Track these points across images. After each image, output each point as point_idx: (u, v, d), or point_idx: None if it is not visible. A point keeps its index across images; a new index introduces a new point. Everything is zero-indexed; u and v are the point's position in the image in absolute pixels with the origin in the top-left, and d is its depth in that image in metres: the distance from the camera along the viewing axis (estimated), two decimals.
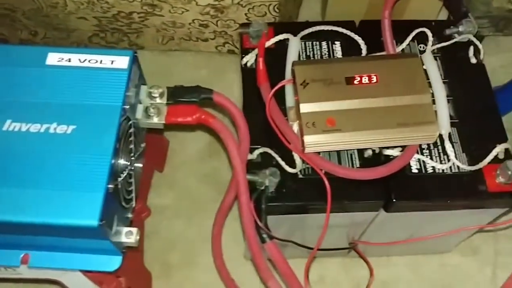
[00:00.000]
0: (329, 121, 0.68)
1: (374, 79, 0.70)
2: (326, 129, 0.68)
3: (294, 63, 0.73)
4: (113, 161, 0.58)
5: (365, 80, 0.70)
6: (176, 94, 0.69)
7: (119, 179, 0.59)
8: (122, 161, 0.61)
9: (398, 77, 0.71)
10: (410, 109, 0.69)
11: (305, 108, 0.69)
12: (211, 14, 0.95)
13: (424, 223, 0.78)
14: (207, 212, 0.85)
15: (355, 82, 0.70)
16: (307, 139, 0.67)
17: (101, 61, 0.63)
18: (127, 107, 0.62)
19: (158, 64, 1.14)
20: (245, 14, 0.95)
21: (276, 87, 0.73)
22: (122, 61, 0.63)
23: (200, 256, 0.96)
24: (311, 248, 0.71)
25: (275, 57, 0.78)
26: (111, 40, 1.08)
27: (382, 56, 0.76)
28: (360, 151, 0.72)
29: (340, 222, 0.76)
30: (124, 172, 0.61)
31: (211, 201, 0.90)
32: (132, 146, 0.64)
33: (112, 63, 0.63)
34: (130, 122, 0.63)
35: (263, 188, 0.67)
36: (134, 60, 0.65)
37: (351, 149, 0.71)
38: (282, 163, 0.70)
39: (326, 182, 0.67)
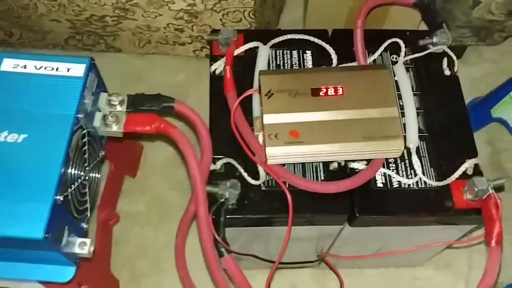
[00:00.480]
0: (292, 133, 0.67)
1: (340, 91, 0.69)
2: (289, 141, 0.66)
3: (260, 73, 0.71)
4: (63, 171, 0.56)
5: (331, 91, 0.69)
6: (136, 102, 0.68)
7: (70, 189, 0.58)
8: (74, 171, 0.60)
9: (365, 89, 0.69)
10: (376, 123, 0.67)
11: (268, 119, 0.67)
12: (185, 19, 0.94)
13: (392, 237, 0.77)
14: (178, 219, 0.83)
15: (321, 93, 0.69)
16: (269, 150, 0.66)
17: (57, 69, 0.61)
18: (81, 116, 0.60)
19: (135, 67, 1.12)
20: (220, 19, 0.94)
21: (242, 97, 0.71)
22: (78, 69, 0.61)
23: (169, 264, 0.94)
24: (273, 262, 0.69)
25: (245, 65, 0.77)
26: (87, 42, 1.07)
27: (351, 68, 0.75)
28: (326, 164, 0.70)
29: (306, 235, 0.75)
30: (76, 182, 0.59)
31: (182, 208, 0.88)
32: (86, 155, 0.62)
33: (68, 70, 0.61)
34: (84, 131, 0.61)
35: (223, 200, 0.65)
36: (91, 68, 0.63)
37: (316, 162, 0.70)
38: (245, 174, 0.68)
39: (288, 195, 0.66)
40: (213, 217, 0.65)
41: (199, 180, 0.64)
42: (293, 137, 0.66)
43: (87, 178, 0.64)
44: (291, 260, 0.81)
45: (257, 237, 0.75)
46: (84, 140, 0.61)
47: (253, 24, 0.94)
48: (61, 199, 0.55)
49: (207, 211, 0.64)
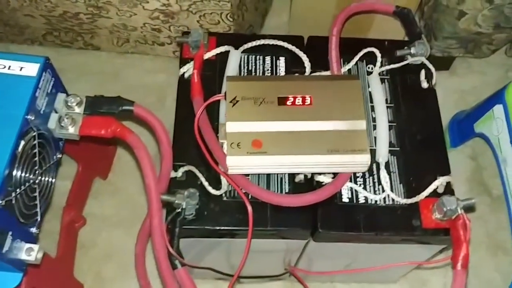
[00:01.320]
0: (255, 142, 0.64)
1: (308, 101, 0.66)
2: (251, 151, 0.64)
3: (227, 78, 0.69)
4: (7, 173, 0.54)
5: (298, 101, 0.66)
6: (94, 105, 0.65)
7: (15, 193, 0.55)
8: (22, 174, 0.57)
9: (334, 100, 0.67)
10: (342, 135, 0.65)
11: (231, 127, 0.65)
12: (162, 19, 0.91)
13: (359, 254, 0.74)
14: None
15: (288, 103, 0.66)
16: (230, 160, 0.63)
17: (9, 67, 0.59)
18: (32, 117, 0.58)
19: (114, 66, 1.10)
20: (197, 21, 0.91)
21: (207, 102, 0.69)
22: (31, 68, 0.59)
23: None
24: (231, 276, 0.67)
25: (215, 69, 0.74)
26: (65, 39, 1.04)
27: (321, 77, 0.72)
28: (291, 175, 0.68)
29: (269, 248, 0.72)
30: (23, 186, 0.57)
31: None
32: (37, 158, 0.60)
33: (21, 69, 0.59)
34: (35, 133, 0.59)
35: (179, 210, 0.63)
36: (46, 68, 0.61)
37: (280, 173, 0.67)
38: (206, 183, 0.66)
39: (249, 206, 0.63)
40: (168, 227, 0.63)
41: (154, 189, 0.61)
42: (255, 147, 0.64)
43: (37, 181, 0.61)
44: (256, 273, 0.79)
45: (217, 249, 0.72)
46: (35, 142, 0.59)
47: (232, 27, 0.92)
48: (3, 203, 0.52)
49: (161, 222, 0.62)
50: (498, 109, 0.88)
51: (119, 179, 0.99)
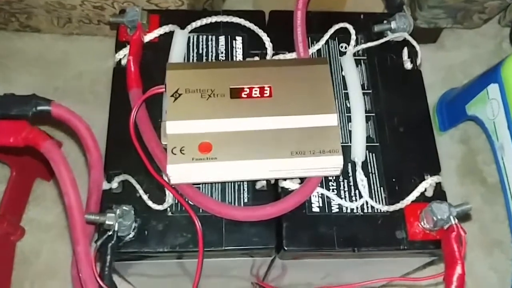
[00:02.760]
0: (203, 146, 0.52)
1: (268, 92, 0.55)
2: (197, 157, 0.52)
3: (168, 66, 0.56)
4: None
5: (255, 93, 0.55)
6: (2, 106, 0.52)
7: None
8: None
9: (298, 90, 0.55)
10: (309, 134, 0.53)
11: (173, 127, 0.53)
12: None
13: (335, 268, 0.63)
14: None
15: (243, 95, 0.54)
16: (171, 169, 0.51)
17: None
18: None
19: (59, 50, 0.97)
20: None
21: (145, 96, 0.57)
22: None
23: None
24: None
25: (159, 54, 0.62)
26: None
27: (282, 62, 0.60)
28: (251, 181, 0.56)
29: (229, 266, 0.61)
30: None
31: None
32: None
33: None
34: None
35: (111, 233, 0.51)
36: None
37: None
38: (145, 196, 0.54)
39: (197, 223, 0.53)
40: (99, 252, 0.51)
41: (76, 209, 0.49)
42: (203, 152, 0.52)
43: None
44: None
45: (165, 270, 0.61)
46: None
47: (187, 4, 0.79)
48: None
49: (87, 250, 0.50)
50: (493, 88, 0.76)
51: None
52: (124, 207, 0.52)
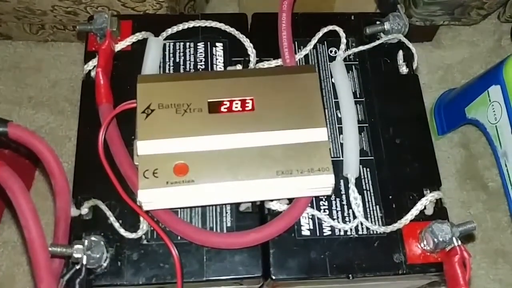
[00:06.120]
0: (178, 168, 0.47)
1: (250, 106, 0.50)
2: (172, 180, 0.47)
3: (138, 79, 0.51)
4: None
5: (236, 106, 0.49)
6: None
7: None
8: None
9: (283, 103, 0.50)
10: (296, 150, 0.48)
11: (144, 148, 0.48)
12: (72, 0, 0.72)
13: None
14: None
15: (222, 109, 0.49)
16: (143, 194, 0.46)
17: None
18: None
19: (33, 57, 0.92)
20: (119, 0, 0.73)
21: (115, 111, 0.52)
22: None
23: None
24: None
25: (132, 64, 0.57)
26: None
27: (265, 71, 0.55)
28: (235, 203, 0.51)
29: None
30: None
31: None
32: None
33: None
34: None
35: (79, 267, 0.46)
36: None
37: None
38: (116, 224, 0.49)
39: (174, 251, 0.48)
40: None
41: (38, 243, 0.44)
42: (179, 174, 0.47)
43: None
44: None
45: None
46: None
47: (165, 4, 0.74)
48: None
49: (52, 285, 0.45)
50: (494, 91, 0.71)
51: (42, 197, 0.82)
52: (93, 238, 0.47)
